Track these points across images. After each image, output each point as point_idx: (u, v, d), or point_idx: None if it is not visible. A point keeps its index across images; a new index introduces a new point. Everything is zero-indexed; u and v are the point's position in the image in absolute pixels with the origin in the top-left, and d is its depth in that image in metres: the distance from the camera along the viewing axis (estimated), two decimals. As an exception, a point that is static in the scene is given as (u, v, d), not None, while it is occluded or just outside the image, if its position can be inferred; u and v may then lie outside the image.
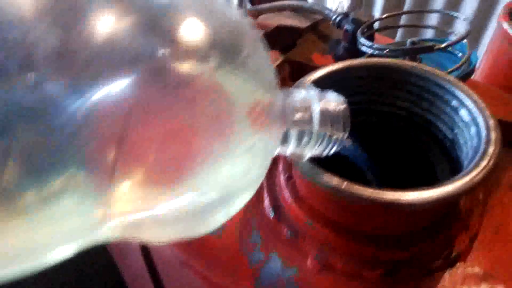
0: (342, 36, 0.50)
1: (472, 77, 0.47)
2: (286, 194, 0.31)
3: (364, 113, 0.37)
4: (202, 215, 0.19)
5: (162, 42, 0.14)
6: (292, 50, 0.51)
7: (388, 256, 0.27)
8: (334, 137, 0.21)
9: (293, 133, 0.20)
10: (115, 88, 0.13)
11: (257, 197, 0.33)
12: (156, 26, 0.14)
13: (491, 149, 0.25)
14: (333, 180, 0.24)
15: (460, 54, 0.45)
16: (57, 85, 0.12)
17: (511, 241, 0.29)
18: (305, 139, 0.21)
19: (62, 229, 0.15)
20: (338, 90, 0.35)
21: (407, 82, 0.33)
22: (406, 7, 1.31)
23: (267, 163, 0.21)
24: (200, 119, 0.15)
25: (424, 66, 0.32)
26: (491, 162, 0.24)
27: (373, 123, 0.37)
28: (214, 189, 0.18)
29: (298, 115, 0.20)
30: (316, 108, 0.20)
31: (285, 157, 0.34)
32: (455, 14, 0.42)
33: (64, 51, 0.12)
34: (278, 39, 0.48)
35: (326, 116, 0.20)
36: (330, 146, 0.21)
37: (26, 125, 0.12)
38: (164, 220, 0.18)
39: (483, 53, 0.59)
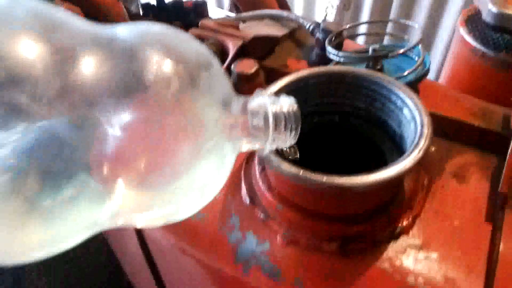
0: (315, 44, 0.56)
1: (437, 81, 0.53)
2: (260, 183, 0.37)
3: (328, 113, 0.42)
4: (184, 205, 0.25)
5: (137, 81, 0.19)
6: (269, 57, 0.56)
7: (343, 231, 0.33)
8: (288, 134, 0.26)
9: (253, 135, 0.25)
10: (108, 114, 0.18)
11: (235, 187, 0.39)
12: (133, 69, 0.19)
13: (421, 142, 0.31)
14: (292, 169, 0.30)
15: (416, 58, 0.51)
16: (63, 116, 0.18)
17: (447, 220, 0.35)
18: (263, 138, 0.26)
19: (78, 224, 0.20)
20: (304, 93, 0.41)
21: (362, 86, 0.39)
22: (392, 11, 1.38)
23: (232, 160, 0.26)
24: (173, 132, 0.20)
25: (375, 73, 0.38)
26: (421, 153, 0.30)
27: (336, 122, 0.43)
28: (192, 185, 0.23)
29: (255, 120, 0.25)
30: (270, 111, 0.25)
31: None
32: (411, 23, 0.48)
33: (65, 93, 0.17)
34: (256, 48, 0.53)
35: (280, 117, 0.25)
36: (284, 141, 0.27)
37: (42, 148, 0.17)
38: (153, 212, 0.23)
39: (441, 56, 0.65)
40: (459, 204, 0.36)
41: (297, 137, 0.27)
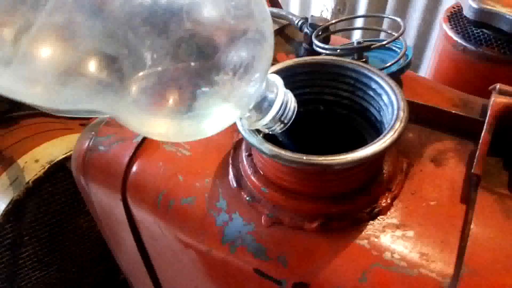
0: (303, 39, 0.58)
1: (424, 76, 0.55)
2: (246, 168, 0.38)
3: (313, 102, 0.44)
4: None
5: None
6: (260, 51, 0.58)
7: (324, 211, 0.34)
8: (279, 125, 0.31)
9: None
10: None
11: (223, 172, 0.40)
12: None
13: (397, 124, 0.32)
14: (275, 149, 0.31)
15: (399, 50, 0.53)
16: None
17: (424, 201, 0.36)
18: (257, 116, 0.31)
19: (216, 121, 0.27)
20: (291, 83, 0.42)
21: (344, 75, 0.41)
22: (388, 8, 1.41)
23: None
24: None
25: (356, 62, 0.39)
26: (396, 134, 0.31)
27: (321, 110, 0.44)
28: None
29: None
30: (280, 99, 0.30)
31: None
32: (393, 17, 0.50)
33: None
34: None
35: (283, 108, 0.31)
36: (270, 128, 0.32)
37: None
38: None
39: (430, 54, 0.67)
40: (436, 187, 0.37)
41: (281, 130, 0.30)
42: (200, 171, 0.41)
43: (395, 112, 0.34)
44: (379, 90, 0.38)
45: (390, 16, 0.50)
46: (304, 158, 0.30)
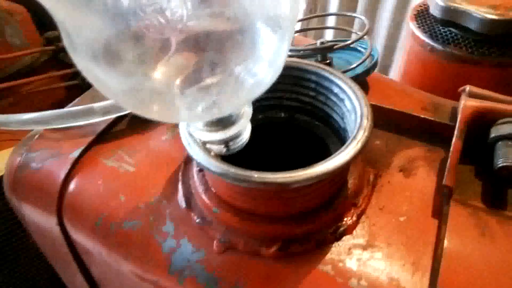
0: (264, 39, 0.54)
1: (392, 78, 0.52)
2: (198, 185, 0.34)
3: (273, 108, 0.40)
4: None
5: None
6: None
7: (282, 233, 0.30)
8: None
9: None
10: None
11: (172, 190, 0.36)
12: None
13: (360, 134, 0.29)
14: (222, 165, 0.27)
15: (364, 50, 0.49)
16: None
17: (393, 216, 0.33)
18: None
19: None
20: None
21: (305, 78, 0.37)
22: (359, 8, 1.39)
23: None
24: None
25: (317, 64, 0.36)
26: (359, 145, 0.28)
27: (282, 118, 0.40)
28: None
29: None
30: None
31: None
32: (356, 15, 0.47)
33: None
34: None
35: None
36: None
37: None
38: None
39: (400, 54, 0.65)
40: (405, 199, 0.34)
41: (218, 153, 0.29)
42: (145, 190, 0.36)
43: (358, 120, 0.30)
44: (342, 95, 0.34)
45: (354, 15, 0.47)
46: (256, 176, 0.26)
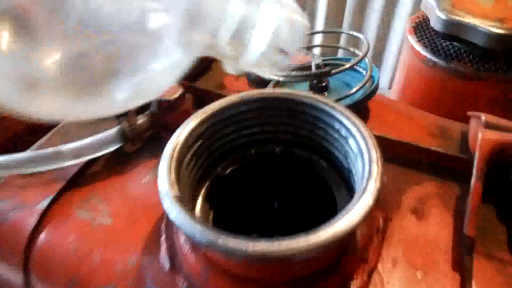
0: (254, 59, 0.49)
1: (387, 95, 0.48)
2: (183, 241, 0.29)
3: (267, 144, 0.36)
4: None
5: None
6: (203, 76, 0.49)
7: (283, 303, 0.26)
8: None
9: None
10: None
11: (154, 246, 0.31)
12: None
13: (371, 185, 0.24)
14: (210, 233, 0.23)
15: (365, 72, 0.45)
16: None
17: (408, 271, 0.29)
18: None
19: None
20: (237, 122, 0.34)
21: (301, 112, 0.33)
22: (345, 20, 1.36)
23: None
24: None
25: (313, 96, 0.32)
26: (371, 202, 0.24)
27: (277, 153, 0.36)
28: None
29: None
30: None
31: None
32: (356, 34, 0.43)
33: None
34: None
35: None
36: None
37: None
38: None
39: (393, 69, 0.61)
40: (420, 249, 0.30)
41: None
42: (122, 247, 0.31)
43: (367, 167, 0.26)
44: (344, 133, 0.30)
45: (352, 32, 0.43)
46: (250, 247, 0.22)
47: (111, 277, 0.30)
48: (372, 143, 0.27)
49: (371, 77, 0.43)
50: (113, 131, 0.36)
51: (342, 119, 0.30)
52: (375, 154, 0.27)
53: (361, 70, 0.46)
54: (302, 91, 0.33)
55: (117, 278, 0.30)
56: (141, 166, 0.38)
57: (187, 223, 0.23)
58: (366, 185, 0.25)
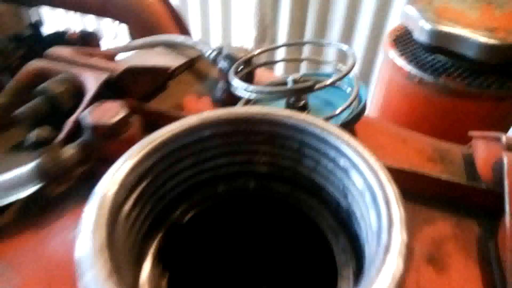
0: (218, 75, 0.42)
1: (377, 118, 0.42)
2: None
3: (240, 176, 0.28)
4: None
5: None
6: (160, 95, 0.41)
7: None
8: None
9: None
10: None
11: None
12: None
13: (395, 240, 0.17)
14: None
15: (349, 89, 0.39)
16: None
17: None
18: None
19: None
20: (198, 151, 0.26)
21: (283, 136, 0.25)
22: (307, 35, 1.32)
23: None
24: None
25: (300, 115, 0.24)
26: (401, 264, 0.16)
27: (252, 189, 0.28)
28: None
29: None
30: None
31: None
32: (341, 46, 0.36)
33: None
34: (134, 84, 0.37)
35: None
36: None
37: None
38: None
39: (374, 85, 0.56)
40: (448, 314, 0.23)
41: None
42: None
43: (384, 209, 0.19)
44: (344, 163, 0.23)
45: (337, 44, 0.37)
46: None
47: None
48: (385, 176, 0.20)
49: (358, 96, 0.37)
50: (28, 167, 0.26)
51: (339, 145, 0.22)
52: (391, 191, 0.19)
53: (343, 87, 0.40)
54: (282, 109, 0.25)
55: None
56: (67, 215, 0.28)
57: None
58: (389, 239, 0.17)
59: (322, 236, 0.25)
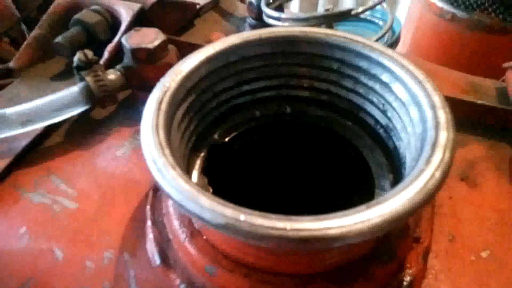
0: (247, 11, 0.42)
1: (410, 55, 0.42)
2: (177, 227, 0.22)
3: (274, 101, 0.28)
4: None
5: None
6: (186, 32, 0.41)
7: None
8: None
9: None
10: None
11: (137, 237, 0.23)
12: None
13: (443, 136, 0.18)
14: (228, 211, 0.15)
15: (381, 22, 0.39)
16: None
17: (470, 252, 0.22)
18: None
19: None
20: (234, 73, 0.26)
21: (323, 56, 0.25)
22: None
23: None
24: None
25: (341, 33, 0.24)
26: (447, 155, 0.17)
27: (288, 114, 0.29)
28: None
29: None
30: None
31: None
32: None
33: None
34: (164, 18, 0.37)
35: None
36: None
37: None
38: None
39: (403, 22, 0.54)
40: (479, 223, 0.24)
41: None
42: (94, 239, 0.23)
43: (429, 113, 0.19)
44: (386, 78, 0.23)
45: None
46: (288, 226, 0.14)
47: (81, 278, 0.22)
48: (431, 86, 0.20)
49: (391, 28, 0.36)
50: (74, 89, 0.27)
51: (382, 60, 0.23)
52: (438, 98, 0.20)
53: (377, 21, 0.39)
54: (323, 28, 0.25)
55: (88, 278, 0.22)
56: (113, 135, 0.29)
57: (193, 196, 0.15)
58: (436, 137, 0.18)
59: (358, 153, 0.26)
